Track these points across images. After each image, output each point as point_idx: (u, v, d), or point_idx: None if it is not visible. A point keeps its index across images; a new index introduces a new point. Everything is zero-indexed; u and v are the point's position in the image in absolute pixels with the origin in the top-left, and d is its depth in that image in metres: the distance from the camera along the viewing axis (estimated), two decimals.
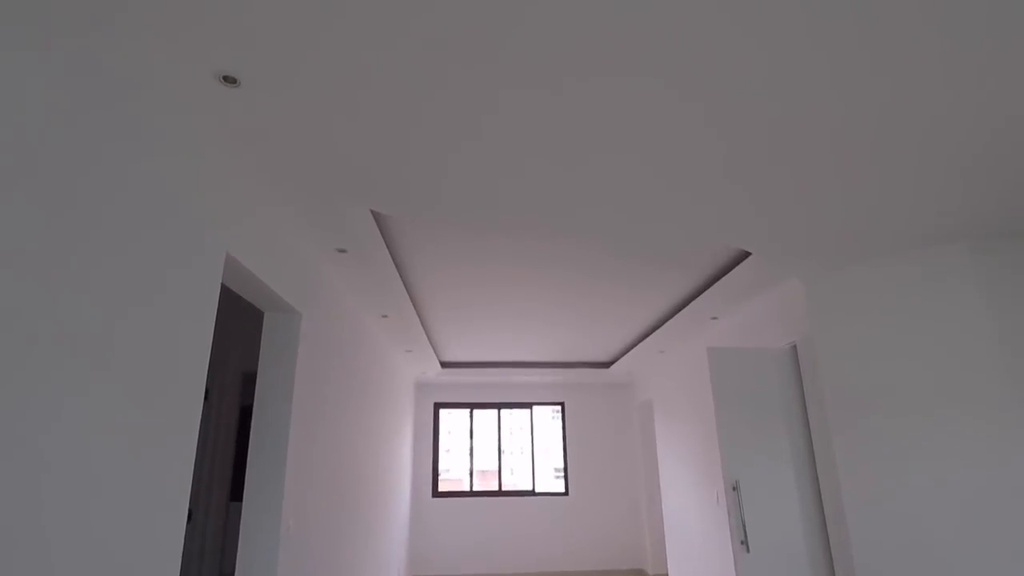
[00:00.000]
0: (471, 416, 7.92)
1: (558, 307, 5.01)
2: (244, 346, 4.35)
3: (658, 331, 5.46)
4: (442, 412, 7.99)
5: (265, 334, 2.90)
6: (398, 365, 6.11)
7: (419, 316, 4.93)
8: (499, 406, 8.01)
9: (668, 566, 6.44)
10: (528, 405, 8.05)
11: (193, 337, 1.88)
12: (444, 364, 7.22)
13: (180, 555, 1.79)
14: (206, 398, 4.15)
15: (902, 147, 2.20)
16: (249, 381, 4.28)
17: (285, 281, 2.70)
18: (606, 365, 7.55)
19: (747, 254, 3.71)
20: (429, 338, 5.81)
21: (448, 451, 8.09)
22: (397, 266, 3.78)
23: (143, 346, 1.62)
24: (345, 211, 2.67)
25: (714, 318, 4.75)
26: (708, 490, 5.24)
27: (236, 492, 4.08)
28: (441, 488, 7.70)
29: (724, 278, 3.92)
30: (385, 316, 4.46)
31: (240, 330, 4.41)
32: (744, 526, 3.37)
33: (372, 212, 2.91)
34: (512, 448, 8.12)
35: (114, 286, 1.51)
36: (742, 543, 3.35)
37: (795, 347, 3.81)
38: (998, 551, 2.79)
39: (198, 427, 1.91)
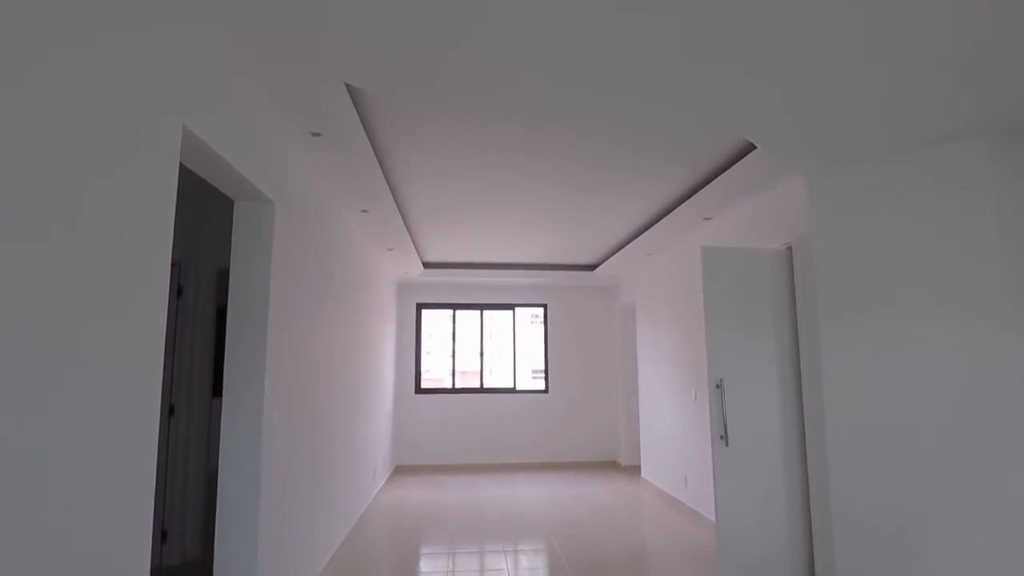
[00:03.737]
0: (453, 317, 7.92)
1: (546, 207, 4.82)
2: (219, 242, 4.13)
3: (648, 232, 5.34)
4: (424, 312, 7.97)
5: (237, 224, 2.69)
6: (380, 264, 5.96)
7: (400, 211, 4.71)
8: (482, 307, 8.00)
9: (641, 458, 6.77)
10: (511, 307, 8.06)
11: (153, 218, 1.68)
12: (427, 265, 7.09)
13: (155, 447, 1.70)
14: (180, 295, 3.99)
15: (897, 40, 1.99)
16: (226, 278, 4.11)
17: (254, 165, 2.46)
18: (591, 268, 7.50)
19: (747, 151, 3.52)
20: (411, 236, 5.63)
21: (429, 353, 8.16)
22: (377, 154, 3.51)
23: (94, 226, 1.42)
24: (318, 87, 2.39)
25: (707, 219, 4.62)
26: (685, 389, 5.37)
27: (219, 388, 4.04)
28: (424, 386, 7.84)
29: (723, 175, 3.74)
30: (365, 211, 4.24)
31: (215, 226, 4.17)
32: (725, 422, 3.45)
33: (348, 90, 2.62)
34: (493, 350, 8.22)
35: (47, 161, 1.29)
36: (721, 437, 3.44)
37: (790, 248, 3.73)
38: (979, 453, 2.88)
39: (165, 318, 1.76)
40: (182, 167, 3.41)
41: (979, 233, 2.97)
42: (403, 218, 4.90)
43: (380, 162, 3.63)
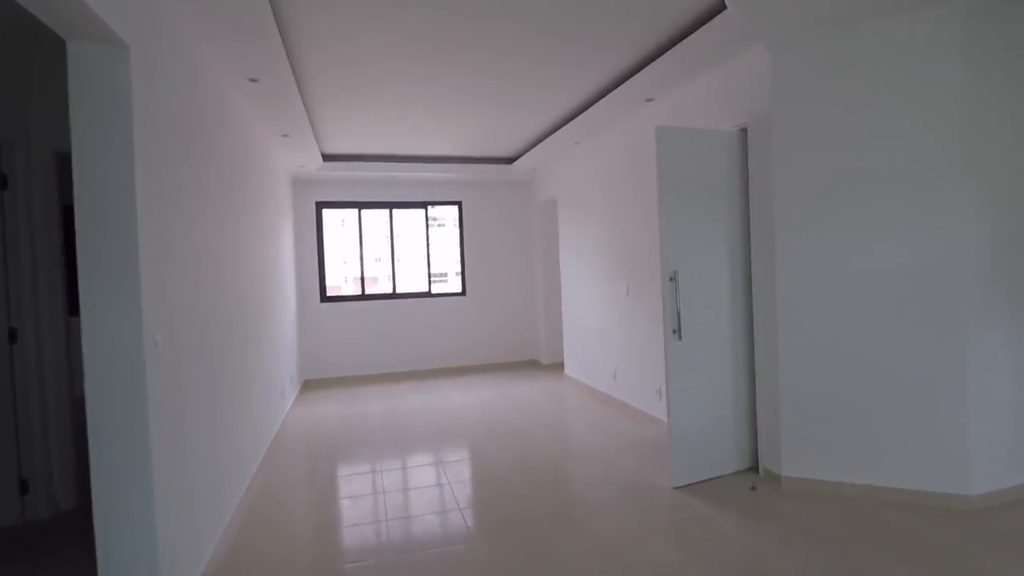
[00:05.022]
0: (359, 216, 7.16)
1: (464, 89, 4.18)
2: (59, 118, 3.14)
3: (579, 118, 4.88)
4: (326, 212, 7.14)
5: (73, 75, 1.89)
6: (273, 153, 5.06)
7: (298, 85, 3.87)
8: (391, 206, 7.29)
9: (564, 355, 6.74)
10: (423, 204, 7.42)
11: None
12: (327, 157, 6.20)
13: None
14: (5, 187, 3.04)
15: None
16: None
17: None
18: (509, 161, 6.98)
19: (707, 18, 3.10)
20: (311, 120, 4.77)
21: (345, 261, 7.44)
22: (271, 3, 2.69)
23: None
24: None
25: (649, 100, 4.23)
26: (616, 284, 5.22)
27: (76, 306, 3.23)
28: (330, 293, 7.18)
29: (680, 44, 3.31)
30: (254, 80, 3.38)
31: (53, 96, 3.14)
32: (678, 315, 3.27)
33: None
34: (402, 252, 7.62)
35: None
36: (674, 331, 3.27)
37: (745, 131, 3.46)
38: (922, 335, 2.90)
39: None
40: None
41: (944, 107, 2.82)
42: (301, 95, 4.05)
43: (274, 11, 2.81)
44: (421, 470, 3.83)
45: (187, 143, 2.57)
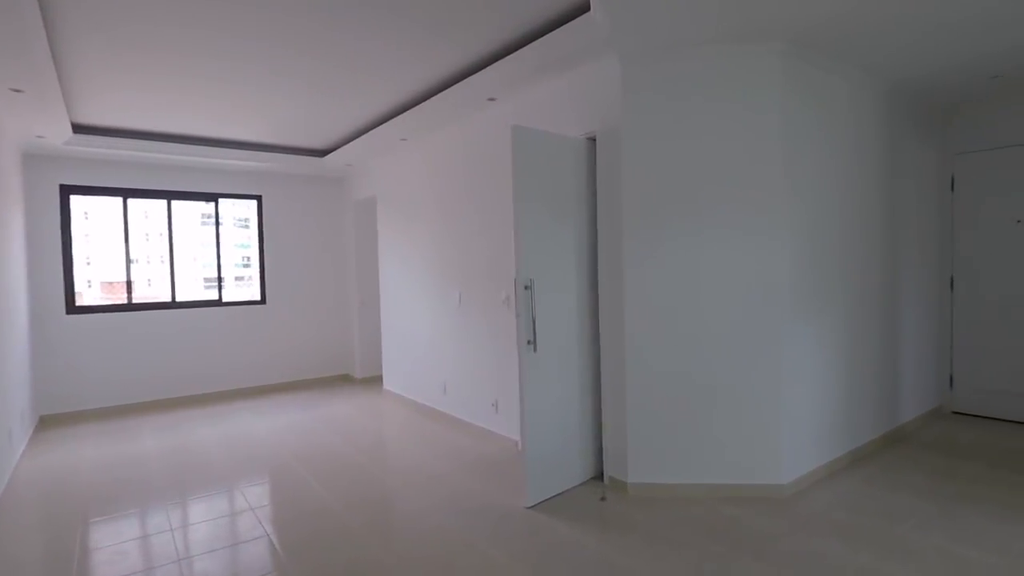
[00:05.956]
0: (124, 207, 5.78)
1: (271, 66, 3.54)
2: None
3: (410, 112, 4.50)
4: (76, 200, 5.61)
5: None
6: None
7: (43, 12, 2.86)
8: (170, 195, 6.02)
9: (383, 368, 6.24)
10: (214, 196, 6.28)
11: None
12: (80, 128, 4.86)
13: None
14: None
15: None
16: None
17: None
18: (321, 153, 6.26)
19: (566, 20, 3.01)
20: (59, 72, 3.61)
21: (88, 261, 5.89)
22: None
23: None
24: None
25: (492, 99, 4.04)
26: (446, 292, 4.94)
27: None
28: (81, 301, 5.66)
29: (537, 42, 3.17)
30: None
31: None
32: (534, 326, 3.11)
33: None
34: (152, 254, 6.36)
35: None
36: (529, 343, 3.10)
37: (594, 139, 3.45)
38: (747, 340, 3.14)
39: None
40: None
41: (768, 134, 3.11)
42: (47, 29, 3.01)
43: None
44: (227, 521, 3.07)
45: None
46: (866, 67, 3.50)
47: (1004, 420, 4.36)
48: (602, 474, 3.51)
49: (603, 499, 3.21)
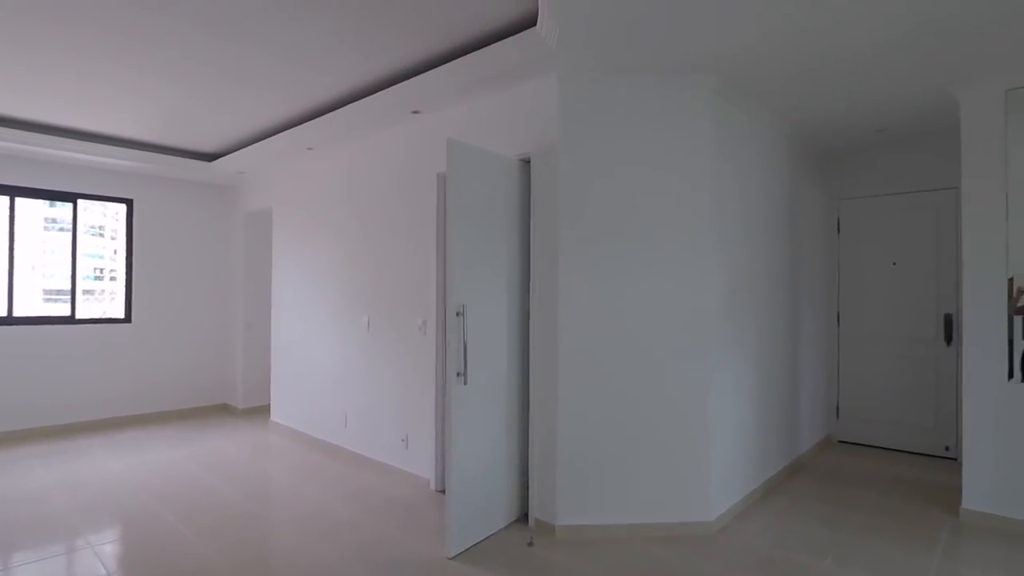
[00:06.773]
0: None
1: (154, 50, 3.07)
2: None
3: (319, 119, 4.13)
4: None
5: None
6: None
7: None
8: (12, 192, 5.07)
9: (272, 398, 5.60)
10: (72, 197, 5.37)
11: None
12: None
13: None
14: None
15: None
16: None
17: None
18: (208, 158, 5.61)
19: (508, 34, 2.88)
20: None
21: None
22: None
23: None
24: None
25: (416, 112, 3.78)
26: (352, 316, 4.53)
27: None
28: None
29: (475, 54, 2.99)
30: None
31: None
32: (465, 356, 2.85)
33: None
34: (21, 259, 5.35)
35: None
36: (459, 375, 2.84)
37: (527, 161, 3.31)
38: (676, 374, 3.11)
39: None
40: None
41: (700, 166, 3.15)
42: None
43: None
44: None
45: None
46: (776, 109, 3.68)
47: (881, 448, 4.74)
48: (527, 515, 3.29)
49: (530, 544, 2.98)
